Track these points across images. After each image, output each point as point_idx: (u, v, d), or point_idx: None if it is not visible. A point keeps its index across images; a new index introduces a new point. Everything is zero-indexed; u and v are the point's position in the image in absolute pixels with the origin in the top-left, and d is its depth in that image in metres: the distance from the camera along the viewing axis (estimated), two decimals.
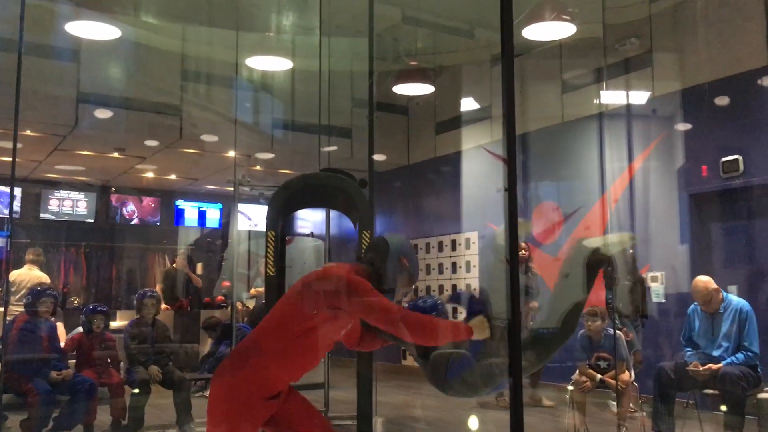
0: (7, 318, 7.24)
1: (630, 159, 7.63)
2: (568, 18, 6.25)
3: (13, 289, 7.60)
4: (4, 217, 10.67)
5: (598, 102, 7.56)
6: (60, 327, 6.53)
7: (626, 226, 7.61)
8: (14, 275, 7.70)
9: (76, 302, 9.52)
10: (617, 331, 5.81)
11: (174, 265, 8.94)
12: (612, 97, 7.57)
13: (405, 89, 9.03)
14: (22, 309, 7.27)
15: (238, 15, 7.64)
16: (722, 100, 6.87)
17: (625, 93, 7.58)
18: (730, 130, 6.84)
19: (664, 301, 7.26)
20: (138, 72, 8.39)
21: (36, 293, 5.73)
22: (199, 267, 9.16)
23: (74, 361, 5.95)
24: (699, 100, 7.01)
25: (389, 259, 2.83)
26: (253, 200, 11.26)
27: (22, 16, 5.22)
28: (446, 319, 3.06)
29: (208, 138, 9.32)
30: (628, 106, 7.56)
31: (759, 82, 6.57)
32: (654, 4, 6.99)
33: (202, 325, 8.40)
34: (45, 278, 7.59)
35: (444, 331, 2.77)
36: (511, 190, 2.01)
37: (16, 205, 10.18)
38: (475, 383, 3.00)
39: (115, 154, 9.70)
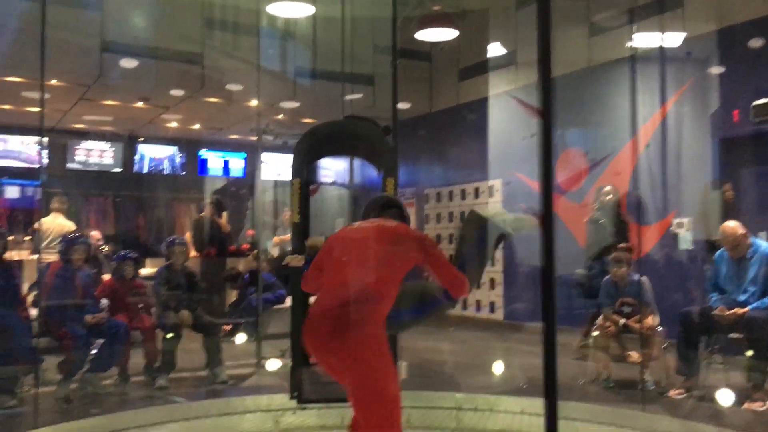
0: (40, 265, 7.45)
1: (662, 103, 7.48)
2: None
3: (43, 237, 7.77)
4: (32, 168, 10.84)
5: (628, 45, 7.37)
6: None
7: (657, 170, 7.49)
8: (41, 224, 7.87)
9: (105, 250, 9.69)
10: (643, 277, 5.81)
11: (202, 214, 9.04)
12: (643, 39, 7.37)
13: (428, 35, 8.87)
14: (50, 256, 7.49)
15: None
16: (756, 44, 6.68)
17: (656, 35, 7.38)
18: (762, 73, 6.67)
19: (692, 247, 7.22)
20: (161, 21, 8.35)
21: (68, 241, 5.85)
22: (224, 216, 9.24)
23: (108, 306, 6.09)
24: (733, 42, 6.83)
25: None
26: (276, 149, 11.29)
27: None
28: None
29: (231, 87, 9.31)
30: (661, 49, 7.37)
31: None
32: None
33: (223, 276, 8.53)
34: (69, 226, 7.73)
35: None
36: (546, 138, 1.97)
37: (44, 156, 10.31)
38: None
39: (140, 104, 9.74)
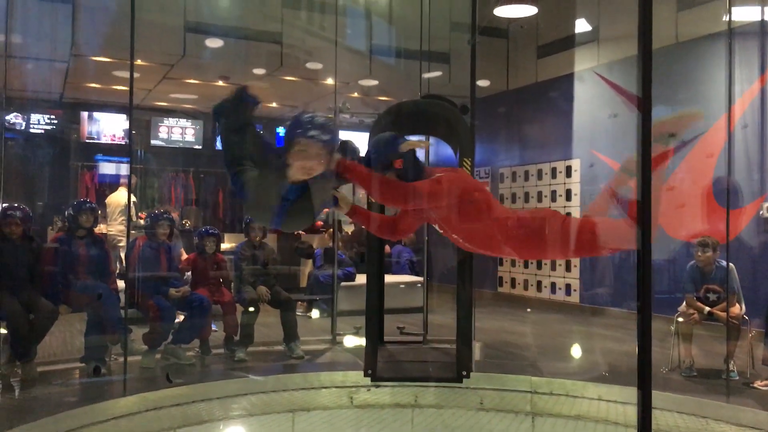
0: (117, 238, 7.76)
1: (761, 75, 7.07)
2: None
3: (108, 211, 8.12)
4: (121, 144, 11.27)
5: (721, 19, 7.00)
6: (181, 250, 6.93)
7: (753, 147, 7.11)
8: (109, 199, 8.23)
9: (187, 225, 10.01)
10: (730, 264, 5.57)
11: None
12: (733, 13, 6.99)
13: (507, 11, 8.70)
14: (114, 229, 7.82)
15: None
16: None
17: (753, 8, 6.98)
18: None
19: None
20: (242, 0, 8.49)
21: (154, 216, 6.06)
22: None
23: (190, 279, 6.30)
24: None
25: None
26: (353, 127, 11.33)
27: None
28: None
29: (309, 65, 9.38)
30: (762, 22, 6.97)
31: None
32: None
33: (296, 252, 8.66)
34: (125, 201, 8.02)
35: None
36: (645, 118, 1.90)
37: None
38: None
39: (221, 82, 9.95)
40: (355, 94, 10.61)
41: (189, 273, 6.36)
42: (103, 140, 11.42)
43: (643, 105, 1.89)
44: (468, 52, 6.16)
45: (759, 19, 7.00)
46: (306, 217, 2.80)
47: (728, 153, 6.78)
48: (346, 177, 2.81)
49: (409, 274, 9.69)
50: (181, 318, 5.93)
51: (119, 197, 8.17)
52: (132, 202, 6.41)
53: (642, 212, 1.86)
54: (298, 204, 2.67)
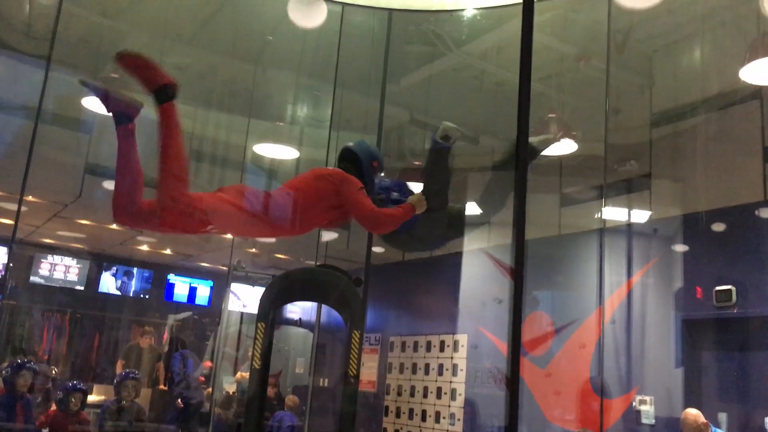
0: None
1: (628, 275, 7.66)
2: (572, 137, 6.41)
3: None
4: None
5: (597, 217, 7.66)
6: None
7: (622, 343, 7.55)
8: None
9: (54, 372, 9.29)
10: None
11: (140, 341, 8.80)
12: (611, 213, 7.68)
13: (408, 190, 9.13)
14: None
15: (251, 103, 7.83)
16: (719, 228, 6.98)
17: (624, 210, 7.70)
18: (725, 260, 6.91)
19: (653, 422, 7.14)
20: (147, 146, 8.52)
21: (15, 366, 5.62)
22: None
23: None
24: (696, 227, 7.12)
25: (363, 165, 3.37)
26: (245, 281, 11.22)
27: (44, 87, 5.36)
28: (394, 208, 3.37)
29: None
30: (629, 225, 7.66)
31: (756, 214, 6.70)
32: (655, 129, 7.20)
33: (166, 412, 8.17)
34: None
35: (400, 217, 3.32)
36: (516, 302, 2.00)
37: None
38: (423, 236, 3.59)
39: (114, 225, 9.74)
40: (253, 250, 10.60)
41: (46, 431, 5.82)
42: None
43: (516, 286, 1.98)
44: None
45: (626, 220, 7.69)
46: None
47: (600, 346, 7.16)
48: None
49: None
50: None
51: None
52: None
53: (512, 390, 1.91)
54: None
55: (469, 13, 6.14)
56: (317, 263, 7.14)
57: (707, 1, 5.35)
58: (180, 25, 6.26)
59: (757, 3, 4.72)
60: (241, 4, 6.14)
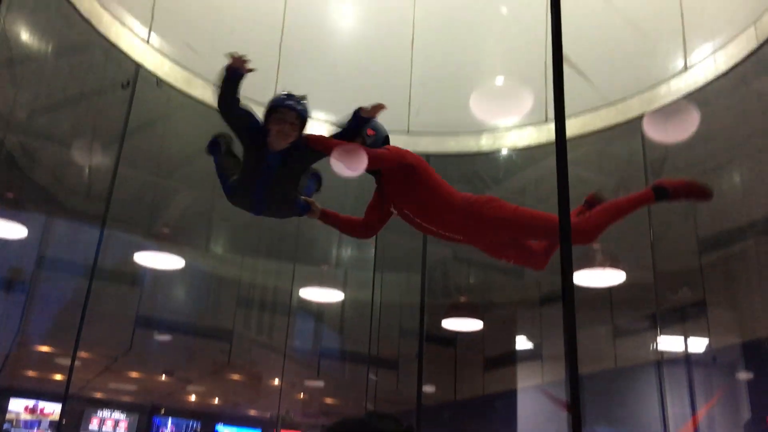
0: None
1: (692, 407, 7.24)
2: (618, 267, 6.33)
3: None
4: None
5: (653, 348, 7.38)
6: None
7: None
8: None
9: None
10: None
11: None
12: (667, 343, 7.40)
13: (454, 324, 9.01)
14: None
15: (296, 248, 8.00)
16: None
17: (680, 339, 7.41)
18: None
19: None
20: (196, 297, 8.68)
21: None
22: None
23: None
24: (758, 353, 6.79)
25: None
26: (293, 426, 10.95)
27: (98, 244, 5.57)
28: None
29: (256, 365, 9.32)
30: (687, 355, 7.35)
31: None
32: (704, 255, 7.07)
33: None
34: None
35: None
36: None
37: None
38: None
39: (164, 377, 9.74)
40: (301, 395, 10.42)
41: None
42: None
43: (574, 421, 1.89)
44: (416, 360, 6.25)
45: (683, 350, 7.37)
46: (288, 203, 3.01)
47: None
48: (317, 148, 2.93)
49: None
50: None
51: None
52: None
53: None
54: (279, 188, 2.93)
55: (504, 153, 6.33)
56: (366, 407, 6.97)
57: (744, 128, 5.43)
58: None
59: None
60: None
